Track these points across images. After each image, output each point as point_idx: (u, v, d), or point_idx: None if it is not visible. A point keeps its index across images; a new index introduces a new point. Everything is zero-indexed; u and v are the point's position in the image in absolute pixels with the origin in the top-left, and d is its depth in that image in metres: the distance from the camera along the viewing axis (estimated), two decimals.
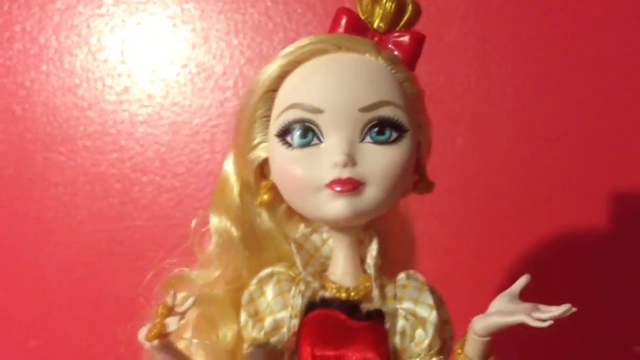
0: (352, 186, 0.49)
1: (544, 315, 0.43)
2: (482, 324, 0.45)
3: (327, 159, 0.50)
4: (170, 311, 0.44)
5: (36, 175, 0.92)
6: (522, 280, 0.47)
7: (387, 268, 0.56)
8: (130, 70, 0.92)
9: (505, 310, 0.45)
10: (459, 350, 0.47)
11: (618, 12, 0.90)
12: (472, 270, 0.90)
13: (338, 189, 0.49)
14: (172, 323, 0.44)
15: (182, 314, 0.45)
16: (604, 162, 0.90)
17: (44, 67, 0.92)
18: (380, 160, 0.50)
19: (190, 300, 0.46)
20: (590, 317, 0.89)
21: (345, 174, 0.49)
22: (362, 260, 0.55)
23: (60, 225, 0.92)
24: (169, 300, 0.45)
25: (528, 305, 0.45)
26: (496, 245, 0.90)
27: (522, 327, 0.45)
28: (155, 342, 0.44)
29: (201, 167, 0.92)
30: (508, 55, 0.90)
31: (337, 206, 0.50)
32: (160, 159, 0.92)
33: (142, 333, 0.45)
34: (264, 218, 0.57)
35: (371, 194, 0.50)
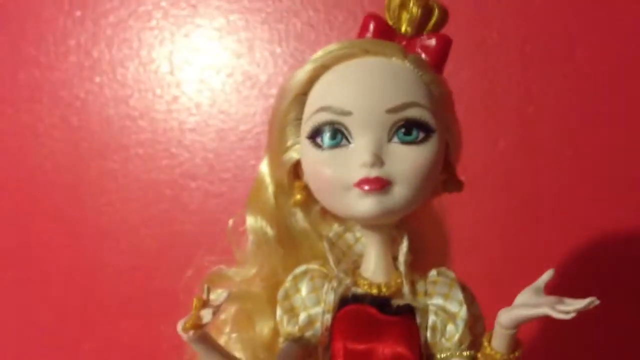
0: (380, 185, 0.51)
1: (568, 307, 0.44)
2: (507, 317, 0.46)
3: (355, 159, 0.51)
4: (204, 304, 0.47)
5: (91, 182, 0.96)
6: (548, 275, 0.47)
7: (420, 266, 0.57)
8: (179, 80, 0.96)
9: (530, 302, 0.46)
10: (486, 344, 0.48)
11: None
12: (515, 274, 0.89)
13: (366, 187, 0.51)
14: (206, 315, 0.46)
15: (217, 307, 0.48)
16: None
17: (98, 79, 0.97)
18: (407, 160, 0.52)
19: (224, 294, 0.48)
20: (625, 325, 0.88)
21: (373, 173, 0.51)
22: (395, 258, 0.56)
23: (114, 231, 0.96)
24: (203, 293, 0.47)
25: (552, 298, 0.45)
26: (538, 248, 0.90)
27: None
28: (191, 332, 0.46)
29: (247, 173, 0.95)
30: (549, 55, 0.90)
31: (365, 204, 0.51)
32: (208, 165, 0.96)
33: (180, 325, 0.47)
34: (299, 218, 0.59)
35: (399, 192, 0.52)
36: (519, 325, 0.46)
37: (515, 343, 0.47)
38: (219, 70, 0.96)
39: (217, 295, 0.49)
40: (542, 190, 0.90)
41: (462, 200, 0.89)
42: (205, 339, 0.48)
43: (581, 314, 0.45)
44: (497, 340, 0.47)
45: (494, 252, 0.90)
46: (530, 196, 0.90)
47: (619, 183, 0.88)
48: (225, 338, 0.58)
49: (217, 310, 0.47)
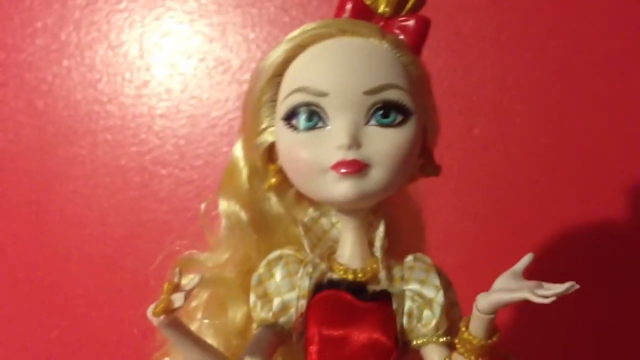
0: (357, 168, 0.50)
1: (547, 292, 0.43)
2: (485, 301, 0.45)
3: (332, 142, 0.50)
4: (176, 288, 0.45)
5: (58, 168, 0.94)
6: (526, 259, 0.47)
7: (397, 252, 0.56)
8: (149, 64, 0.94)
9: (508, 287, 0.45)
10: (463, 329, 0.47)
11: None
12: (489, 261, 0.89)
13: (343, 170, 0.50)
14: (177, 299, 0.45)
15: (189, 292, 0.46)
16: (623, 155, 0.89)
17: (65, 63, 0.94)
18: (385, 143, 0.51)
19: (196, 279, 0.47)
20: (601, 311, 0.89)
21: (350, 155, 0.50)
22: (371, 244, 0.55)
23: (81, 218, 0.94)
24: (174, 277, 0.46)
25: (531, 282, 0.45)
26: (513, 236, 0.90)
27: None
28: (162, 317, 0.45)
29: (219, 160, 0.93)
30: (524, 44, 0.90)
31: (342, 188, 0.50)
32: (178, 152, 0.94)
33: (150, 309, 0.46)
34: (273, 202, 0.57)
35: (376, 175, 0.51)
36: (497, 310, 0.45)
37: (493, 328, 0.46)
38: (191, 54, 0.94)
39: (189, 280, 0.48)
40: (516, 177, 0.90)
41: (438, 188, 0.89)
42: (176, 324, 0.47)
43: (559, 299, 0.44)
44: (475, 325, 0.46)
45: (469, 239, 0.90)
46: (505, 183, 0.90)
47: (593, 171, 0.88)
48: (198, 324, 0.56)
49: (188, 295, 0.46)
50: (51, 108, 0.94)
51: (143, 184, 0.94)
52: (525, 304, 0.45)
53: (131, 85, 0.94)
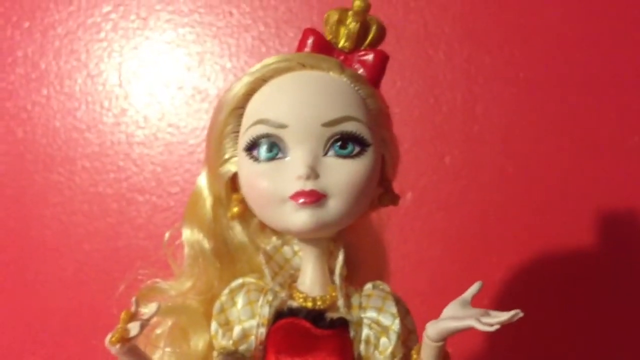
0: (315, 198, 0.51)
1: (492, 320, 0.44)
2: (434, 329, 0.46)
3: (291, 172, 0.52)
4: (132, 317, 0.46)
5: (36, 195, 0.95)
6: (475, 287, 0.48)
7: (358, 280, 0.57)
8: (127, 93, 0.95)
9: (456, 315, 0.46)
10: (415, 356, 0.48)
11: (606, 28, 0.92)
12: (461, 287, 0.90)
13: (301, 200, 0.51)
14: (133, 328, 0.46)
15: (147, 320, 0.47)
16: (593, 179, 0.91)
17: (45, 91, 0.95)
18: (342, 173, 0.52)
19: (154, 307, 0.48)
20: (578, 333, 0.90)
21: (308, 186, 0.51)
22: (332, 272, 0.56)
23: (58, 244, 0.94)
24: (132, 306, 0.46)
25: (478, 310, 0.46)
26: (485, 262, 0.91)
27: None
28: (118, 346, 0.46)
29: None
30: (492, 76, 0.91)
31: (300, 218, 0.51)
32: (156, 178, 0.95)
33: (108, 338, 0.47)
34: (237, 231, 0.58)
35: (334, 206, 0.52)
36: (446, 338, 0.47)
37: (443, 355, 0.47)
38: (169, 83, 0.96)
39: (149, 308, 0.49)
40: (487, 205, 0.91)
41: (409, 215, 0.91)
42: (133, 352, 0.48)
43: (507, 327, 0.45)
44: (426, 352, 0.47)
45: (440, 266, 0.91)
46: (475, 211, 0.91)
47: (561, 199, 0.90)
48: (160, 353, 0.57)
49: (146, 324, 0.47)
50: (30, 135, 0.95)
51: (120, 210, 0.95)
52: (475, 331, 0.46)
53: (109, 114, 0.95)
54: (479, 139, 0.91)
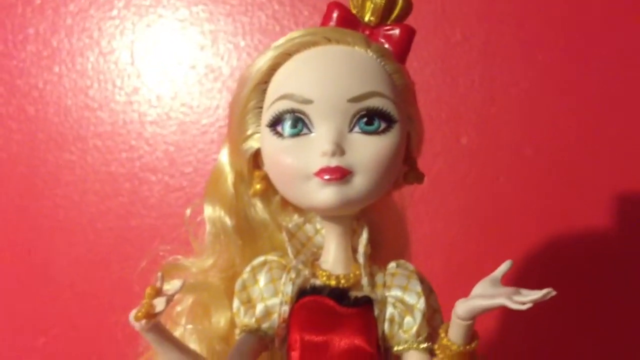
0: (340, 174, 0.50)
1: (524, 298, 0.43)
2: (464, 308, 0.46)
3: (316, 148, 0.51)
4: (157, 292, 0.46)
5: (48, 174, 0.94)
6: (505, 266, 0.47)
7: (380, 258, 0.57)
8: (140, 71, 0.94)
9: (487, 293, 0.45)
10: (443, 335, 0.47)
11: (624, 10, 0.90)
12: (477, 269, 0.90)
13: (326, 177, 0.50)
14: (159, 304, 0.45)
15: (171, 297, 0.47)
16: (609, 162, 0.90)
17: (57, 69, 0.95)
18: (368, 150, 0.51)
19: (178, 284, 0.47)
20: (592, 316, 0.89)
21: (334, 162, 0.50)
22: (354, 250, 0.55)
23: (70, 224, 0.94)
24: (157, 282, 0.46)
25: (509, 289, 0.45)
26: (501, 244, 0.90)
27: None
28: (143, 322, 0.45)
29: (209, 167, 0.93)
30: (511, 55, 0.90)
31: (325, 194, 0.51)
32: (168, 158, 0.94)
33: (132, 314, 0.46)
34: (258, 208, 0.58)
35: (359, 182, 0.51)
36: (475, 316, 0.46)
37: (472, 334, 0.47)
38: (181, 62, 0.95)
39: (172, 285, 0.48)
40: (503, 186, 0.91)
41: (425, 196, 0.90)
42: (158, 329, 0.47)
43: (537, 305, 0.45)
44: (454, 332, 0.47)
45: (456, 247, 0.90)
46: (492, 192, 0.90)
47: (581, 180, 0.89)
48: (181, 330, 0.56)
49: (170, 300, 0.46)
50: (42, 114, 0.94)
51: (133, 190, 0.94)
52: (504, 310, 0.46)
53: (122, 92, 0.94)
54: (496, 120, 0.90)
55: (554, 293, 0.43)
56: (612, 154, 0.90)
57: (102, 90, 0.94)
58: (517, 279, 0.89)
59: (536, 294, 0.43)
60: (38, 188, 0.94)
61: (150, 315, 0.45)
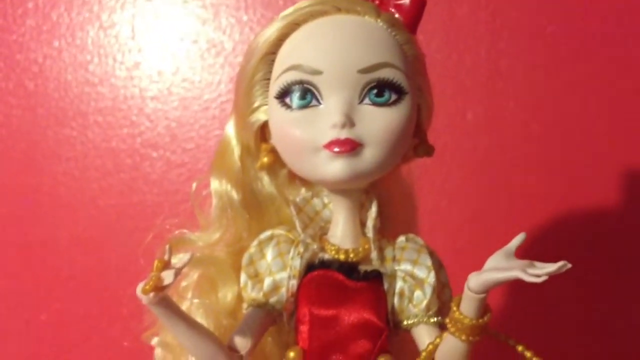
0: (350, 147, 0.49)
1: (539, 271, 0.43)
2: (477, 281, 0.45)
3: (325, 120, 0.50)
4: (166, 265, 0.45)
5: (48, 149, 0.93)
6: (519, 238, 0.46)
7: (389, 233, 0.56)
8: (141, 46, 0.93)
9: (500, 266, 0.45)
10: (455, 308, 0.46)
11: None
12: (479, 245, 0.89)
13: (336, 149, 0.49)
14: (167, 277, 0.45)
15: (179, 270, 0.46)
16: (617, 137, 0.89)
17: (56, 43, 0.93)
18: (378, 122, 0.50)
19: (186, 257, 0.46)
20: (598, 296, 0.89)
21: (343, 134, 0.49)
22: (363, 224, 0.55)
23: (71, 200, 0.93)
24: (165, 255, 0.45)
25: (523, 261, 0.44)
26: (504, 219, 0.89)
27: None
28: (151, 295, 0.44)
29: (211, 143, 0.93)
30: (518, 29, 0.89)
31: (335, 167, 0.50)
32: (170, 134, 0.93)
33: (140, 287, 0.45)
34: (265, 182, 0.57)
35: (369, 155, 0.50)
36: (488, 290, 0.45)
37: (484, 308, 0.46)
38: (183, 36, 0.93)
39: (179, 258, 0.47)
40: (508, 162, 0.90)
41: (429, 171, 0.89)
42: (165, 302, 0.46)
43: (551, 278, 0.44)
44: (466, 305, 0.46)
45: (460, 223, 0.90)
46: (496, 168, 0.89)
47: (586, 157, 0.88)
48: (188, 304, 0.56)
49: (178, 273, 0.46)
50: (41, 89, 0.93)
51: (134, 166, 0.93)
52: (517, 283, 0.45)
53: (122, 67, 0.93)
54: (502, 95, 0.89)
55: (569, 266, 0.43)
56: (620, 129, 0.89)
57: (102, 65, 0.93)
58: (524, 255, 0.88)
59: (551, 267, 0.43)
60: (38, 164, 0.93)
61: (159, 288, 0.44)
